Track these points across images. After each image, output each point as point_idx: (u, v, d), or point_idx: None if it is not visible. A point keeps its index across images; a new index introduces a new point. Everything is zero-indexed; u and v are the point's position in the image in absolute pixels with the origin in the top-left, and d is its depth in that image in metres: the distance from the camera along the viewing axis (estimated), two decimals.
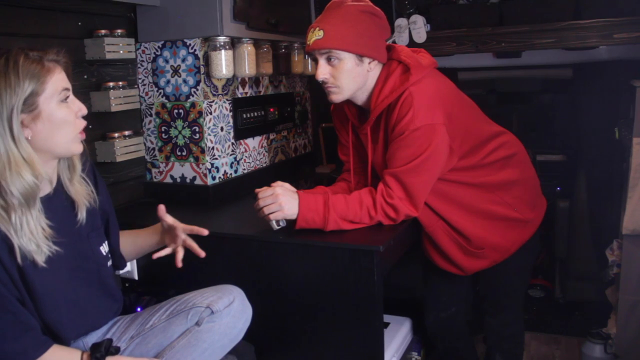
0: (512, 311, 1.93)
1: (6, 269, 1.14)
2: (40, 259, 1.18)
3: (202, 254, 1.47)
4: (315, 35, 1.58)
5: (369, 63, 1.62)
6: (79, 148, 1.26)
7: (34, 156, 1.17)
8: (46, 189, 1.27)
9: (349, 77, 1.61)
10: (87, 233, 1.34)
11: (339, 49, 1.57)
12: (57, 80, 1.20)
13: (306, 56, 2.43)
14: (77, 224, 1.31)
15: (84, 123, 1.26)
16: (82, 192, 1.33)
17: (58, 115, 1.20)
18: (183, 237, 1.47)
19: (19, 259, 1.15)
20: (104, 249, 1.39)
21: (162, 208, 1.45)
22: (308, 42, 1.60)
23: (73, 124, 1.23)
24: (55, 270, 1.23)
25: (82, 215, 1.32)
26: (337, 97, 1.65)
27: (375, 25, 1.62)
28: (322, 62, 1.61)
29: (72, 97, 1.25)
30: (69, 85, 1.24)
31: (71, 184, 1.31)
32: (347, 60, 1.59)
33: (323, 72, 1.61)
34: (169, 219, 1.46)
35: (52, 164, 1.26)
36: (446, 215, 1.70)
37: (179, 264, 1.46)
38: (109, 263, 1.40)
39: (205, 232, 1.47)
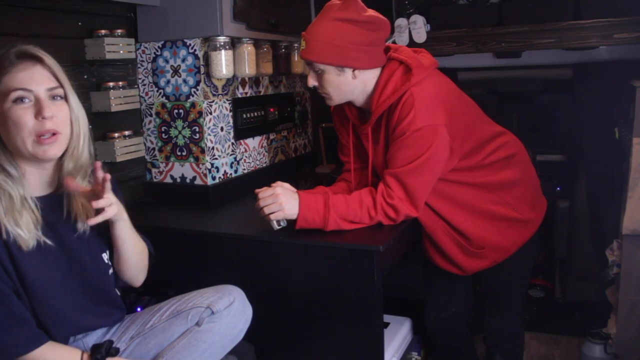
0: (512, 311, 1.93)
1: (0, 260, 1.15)
2: (25, 245, 1.17)
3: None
4: (302, 45, 1.64)
5: (353, 72, 1.63)
6: (42, 153, 1.18)
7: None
8: (44, 190, 1.27)
9: (333, 86, 1.65)
10: (88, 239, 1.33)
11: (317, 62, 1.62)
12: (13, 79, 1.16)
13: None
14: (76, 231, 1.30)
15: (45, 127, 1.17)
16: (83, 201, 1.29)
17: (10, 116, 1.16)
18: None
19: (4, 236, 1.15)
20: (106, 256, 1.38)
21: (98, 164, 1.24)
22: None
23: (26, 126, 1.16)
24: (48, 269, 1.23)
25: (82, 224, 1.30)
26: (329, 102, 1.72)
27: (356, 34, 1.57)
28: (310, 70, 1.67)
29: (40, 97, 1.17)
30: (30, 86, 1.16)
31: (70, 193, 1.29)
32: (328, 71, 1.63)
33: (311, 80, 1.68)
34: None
35: (41, 165, 1.24)
36: (446, 215, 1.70)
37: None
38: (110, 271, 1.39)
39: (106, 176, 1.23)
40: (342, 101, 1.70)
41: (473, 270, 1.82)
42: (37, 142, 1.18)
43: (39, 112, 1.17)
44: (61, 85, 1.23)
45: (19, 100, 1.16)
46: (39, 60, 1.20)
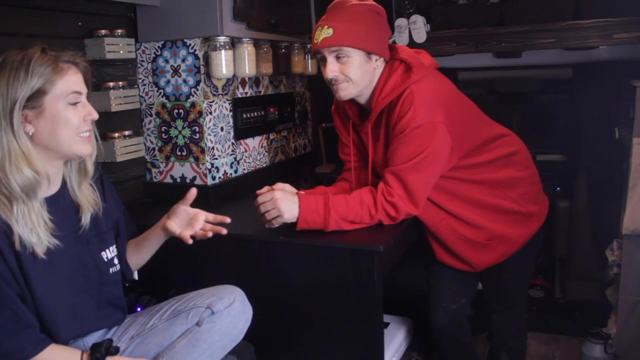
0: (518, 307, 1.94)
1: (8, 264, 1.16)
2: (40, 251, 1.19)
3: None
4: (324, 33, 1.58)
5: (376, 60, 1.64)
6: (82, 150, 1.26)
7: (32, 151, 1.20)
8: (50, 189, 1.27)
9: (358, 74, 1.62)
10: (88, 238, 1.33)
11: (348, 46, 1.58)
12: (68, 82, 1.22)
13: (306, 56, 2.43)
14: (78, 229, 1.31)
15: (88, 127, 1.27)
16: (88, 198, 1.33)
17: (62, 116, 1.21)
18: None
19: (17, 247, 1.16)
20: (107, 254, 1.38)
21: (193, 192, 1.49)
22: (316, 41, 1.60)
23: (76, 126, 1.24)
24: (53, 271, 1.24)
25: (85, 220, 1.32)
26: (346, 92, 1.64)
27: (380, 24, 1.64)
28: (331, 59, 1.61)
29: (83, 100, 1.26)
30: (81, 89, 1.25)
31: (79, 188, 1.32)
32: (356, 57, 1.60)
33: (332, 69, 1.61)
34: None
35: (56, 164, 1.27)
36: (451, 208, 1.70)
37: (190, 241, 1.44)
38: (113, 270, 1.39)
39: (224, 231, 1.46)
40: (358, 93, 1.66)
41: (483, 265, 1.81)
42: (79, 140, 1.25)
43: (88, 114, 1.26)
44: (88, 90, 1.31)
45: (74, 101, 1.24)
46: (82, 66, 1.28)
